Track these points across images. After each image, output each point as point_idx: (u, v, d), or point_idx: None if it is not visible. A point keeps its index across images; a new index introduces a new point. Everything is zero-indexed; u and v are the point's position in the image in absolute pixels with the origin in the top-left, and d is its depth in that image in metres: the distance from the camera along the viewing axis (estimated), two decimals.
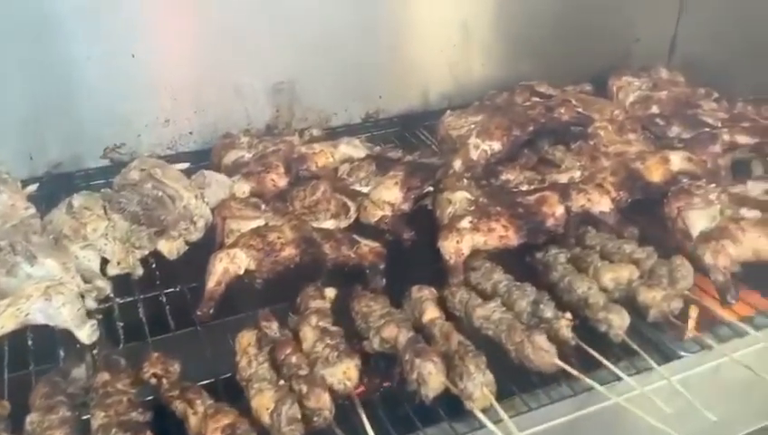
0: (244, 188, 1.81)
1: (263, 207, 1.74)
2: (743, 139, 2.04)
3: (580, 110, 2.17)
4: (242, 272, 1.55)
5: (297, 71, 2.20)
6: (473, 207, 1.73)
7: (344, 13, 2.19)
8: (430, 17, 2.33)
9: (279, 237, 1.60)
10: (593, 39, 2.59)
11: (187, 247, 1.73)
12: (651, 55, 2.66)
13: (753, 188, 1.81)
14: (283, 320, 1.46)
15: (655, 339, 1.46)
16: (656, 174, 1.84)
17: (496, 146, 1.99)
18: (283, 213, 1.73)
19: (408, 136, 2.33)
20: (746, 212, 1.68)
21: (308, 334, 1.38)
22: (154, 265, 1.69)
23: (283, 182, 1.86)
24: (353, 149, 2.00)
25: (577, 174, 1.89)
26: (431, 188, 1.84)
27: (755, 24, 2.41)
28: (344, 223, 1.77)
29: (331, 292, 1.53)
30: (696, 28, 2.65)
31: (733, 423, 1.51)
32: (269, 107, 2.21)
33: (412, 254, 1.73)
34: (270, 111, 2.22)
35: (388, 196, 1.80)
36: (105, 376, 1.32)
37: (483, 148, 1.98)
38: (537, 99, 2.27)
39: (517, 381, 1.36)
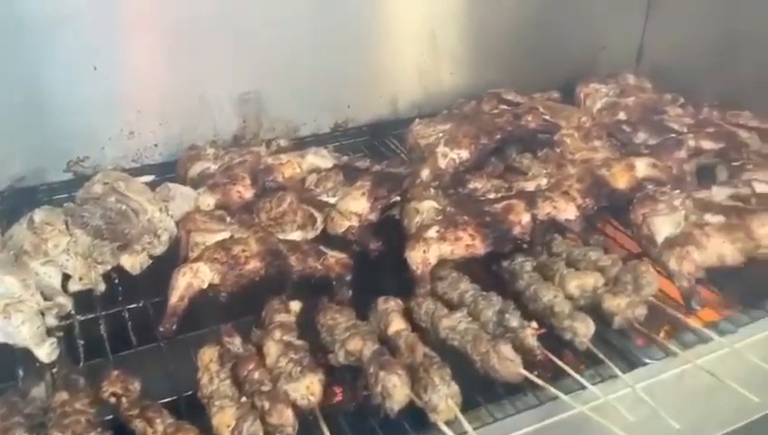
0: (209, 200, 1.79)
1: (228, 219, 1.72)
2: (707, 144, 2.06)
3: (547, 117, 2.18)
4: (206, 286, 1.52)
5: (264, 81, 2.19)
6: (440, 217, 1.73)
7: (311, 22, 2.18)
8: (398, 26, 2.32)
9: (244, 250, 1.58)
10: (561, 47, 2.60)
11: (150, 261, 1.70)
12: (619, 62, 2.68)
13: (718, 194, 1.83)
14: (247, 335, 1.44)
15: (620, 346, 1.46)
16: (621, 181, 1.85)
17: (464, 154, 1.99)
18: (248, 225, 1.71)
19: (377, 145, 2.32)
20: (711, 217, 1.70)
21: (271, 349, 1.36)
22: (117, 281, 1.67)
23: (249, 194, 1.84)
24: (321, 159, 1.99)
25: (544, 182, 1.89)
26: (398, 198, 1.83)
27: (721, 30, 2.44)
28: (311, 234, 1.76)
29: (296, 305, 1.52)
30: (662, 35, 2.68)
31: (697, 430, 1.52)
32: (236, 118, 2.19)
33: (380, 264, 1.72)
34: (237, 122, 2.20)
35: (355, 206, 1.78)
36: (63, 396, 1.30)
37: (451, 156, 1.99)
38: (505, 107, 2.28)
39: (483, 392, 1.35)
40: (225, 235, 1.65)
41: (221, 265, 1.54)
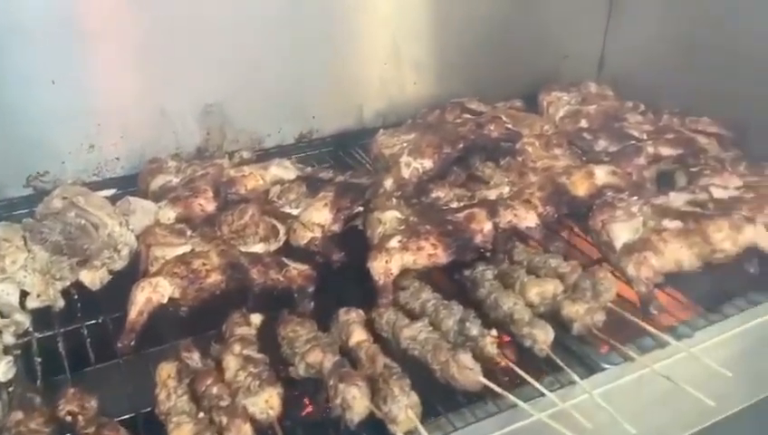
0: (169, 213, 1.77)
1: (189, 232, 1.70)
2: (666, 150, 2.09)
3: (509, 126, 2.19)
4: (165, 301, 1.51)
5: (227, 92, 2.18)
6: (403, 227, 1.73)
7: (273, 33, 2.18)
8: (360, 37, 2.33)
9: (204, 264, 1.57)
10: (523, 56, 2.63)
11: (110, 277, 1.68)
12: (581, 71, 2.72)
13: (676, 200, 1.86)
14: (208, 349, 1.43)
15: (580, 352, 1.48)
16: (581, 188, 1.88)
17: (428, 164, 2.00)
18: (210, 238, 1.70)
19: (342, 155, 2.32)
20: (668, 223, 1.72)
21: (230, 363, 1.35)
22: (76, 297, 1.64)
23: (211, 207, 1.83)
24: (284, 170, 1.98)
25: (506, 190, 1.91)
26: (362, 208, 1.83)
27: (680, 38, 2.48)
28: (274, 246, 1.75)
29: (256, 318, 1.51)
30: (623, 43, 2.72)
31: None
32: (199, 130, 2.18)
33: (343, 275, 1.72)
34: (200, 134, 2.19)
35: (318, 217, 1.78)
36: (18, 415, 1.28)
37: (414, 166, 1.99)
38: (468, 116, 2.30)
39: (444, 401, 1.35)
40: (186, 248, 1.64)
41: (181, 279, 1.53)
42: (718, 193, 1.86)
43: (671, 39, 2.52)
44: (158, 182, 1.92)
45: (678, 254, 1.66)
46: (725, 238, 1.68)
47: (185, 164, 2.00)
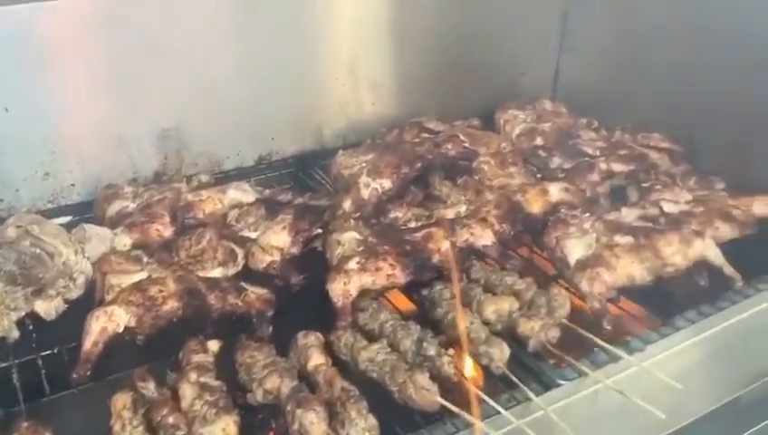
0: (125, 240, 1.76)
1: (145, 259, 1.69)
2: (618, 166, 2.14)
3: (466, 144, 2.23)
4: (121, 329, 1.50)
5: (184, 116, 2.17)
6: (361, 248, 1.75)
7: (229, 56, 2.18)
8: (317, 58, 2.34)
9: (161, 291, 1.56)
10: (480, 74, 2.67)
11: (66, 306, 1.66)
12: (537, 88, 2.77)
13: (627, 215, 1.90)
14: (164, 378, 1.42)
15: (536, 369, 1.50)
16: (535, 205, 1.91)
17: (386, 184, 2.02)
18: (167, 264, 1.69)
19: (302, 176, 2.33)
20: (620, 239, 1.76)
21: (187, 392, 1.34)
22: (31, 327, 1.62)
23: (168, 232, 1.82)
24: (242, 193, 1.98)
25: (463, 208, 1.93)
26: (320, 230, 1.84)
27: (631, 55, 2.54)
28: (232, 271, 1.75)
29: (214, 345, 1.50)
30: (576, 61, 2.78)
31: None
32: (156, 154, 2.17)
33: (303, 298, 1.73)
34: (157, 159, 2.18)
35: (277, 240, 1.79)
36: None
37: (373, 186, 2.01)
38: (426, 135, 2.32)
39: (402, 423, 1.36)
40: (142, 275, 1.63)
41: (137, 307, 1.52)
42: (669, 208, 1.91)
43: (622, 56, 2.58)
44: (114, 208, 1.90)
45: (630, 268, 1.69)
46: (676, 252, 1.72)
47: (142, 189, 1.98)
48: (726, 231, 1.87)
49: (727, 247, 1.83)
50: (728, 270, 1.74)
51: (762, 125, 2.11)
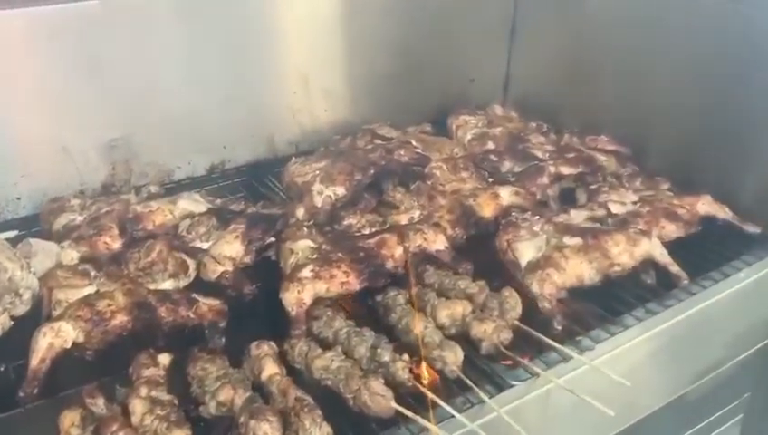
0: (72, 254, 1.72)
1: (93, 273, 1.66)
2: (567, 169, 2.18)
3: (419, 150, 2.25)
4: (69, 345, 1.46)
5: (132, 126, 2.13)
6: (315, 255, 1.74)
7: (178, 64, 2.16)
8: (267, 66, 2.33)
9: (109, 305, 1.53)
10: (432, 80, 2.70)
11: (12, 323, 1.62)
12: (488, 93, 2.82)
13: (576, 217, 1.94)
14: (113, 394, 1.39)
15: (490, 371, 1.51)
16: (487, 209, 1.94)
17: (340, 191, 2.02)
18: (116, 278, 1.66)
19: (256, 185, 2.31)
20: (569, 240, 1.79)
21: (137, 407, 1.32)
22: None
23: (117, 245, 1.78)
24: (193, 203, 1.95)
25: (416, 214, 1.95)
26: (273, 239, 1.83)
27: (578, 59, 2.60)
28: (183, 282, 1.73)
29: (165, 358, 1.48)
30: (525, 66, 2.83)
31: None
32: (104, 166, 2.13)
33: (256, 308, 1.71)
34: (105, 170, 2.14)
35: (229, 250, 1.77)
36: None
37: (327, 193, 2.01)
38: (379, 141, 2.34)
39: (357, 430, 1.36)
40: (90, 289, 1.60)
41: (85, 322, 1.49)
42: (616, 208, 1.96)
43: (570, 60, 2.64)
44: (61, 221, 1.86)
45: (579, 269, 1.73)
46: (623, 252, 1.76)
47: (89, 201, 1.94)
48: (672, 230, 1.92)
49: (673, 246, 1.88)
50: (674, 268, 1.78)
51: (706, 126, 2.18)
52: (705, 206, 2.03)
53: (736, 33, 2.05)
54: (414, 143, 2.32)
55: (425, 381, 1.46)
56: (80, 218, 1.87)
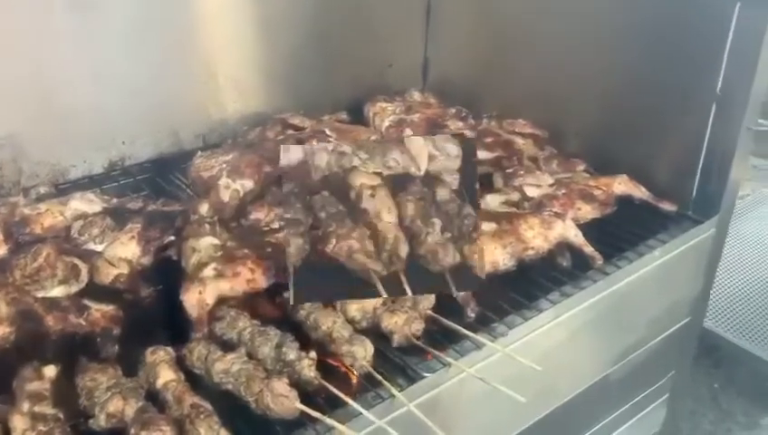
0: None
1: None
2: (484, 154, 2.19)
3: (332, 139, 2.22)
4: None
5: (19, 123, 2.03)
6: (219, 253, 1.70)
7: (70, 54, 2.06)
8: (169, 55, 2.25)
9: None
10: (347, 67, 2.67)
11: None
12: (406, 79, 2.81)
13: (492, 201, 1.96)
14: None
15: (402, 364, 1.50)
16: None
17: (248, 184, 1.98)
18: (0, 286, 1.58)
19: (161, 182, 2.24)
20: (484, 226, 1.80)
21: (18, 424, 1.25)
22: None
23: (2, 251, 1.70)
24: (87, 203, 1.87)
25: None
26: (173, 238, 1.77)
27: (495, 42, 2.62)
28: (75, 288, 1.65)
29: (50, 370, 1.40)
30: (443, 50, 2.83)
31: None
32: None
33: (156, 312, 1.66)
34: None
35: (124, 252, 1.70)
36: None
37: (234, 187, 1.96)
38: (291, 132, 2.30)
39: (259, 433, 1.33)
40: None
41: None
42: (531, 192, 1.99)
43: (486, 43, 2.66)
44: None
45: (494, 254, 1.74)
46: (537, 235, 1.79)
47: None
48: (588, 211, 1.96)
49: (590, 227, 1.92)
50: (588, 250, 1.82)
51: (622, 107, 2.23)
52: (621, 186, 2.08)
53: (647, 14, 2.10)
54: (328, 132, 2.29)
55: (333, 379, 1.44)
56: None
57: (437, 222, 1.66)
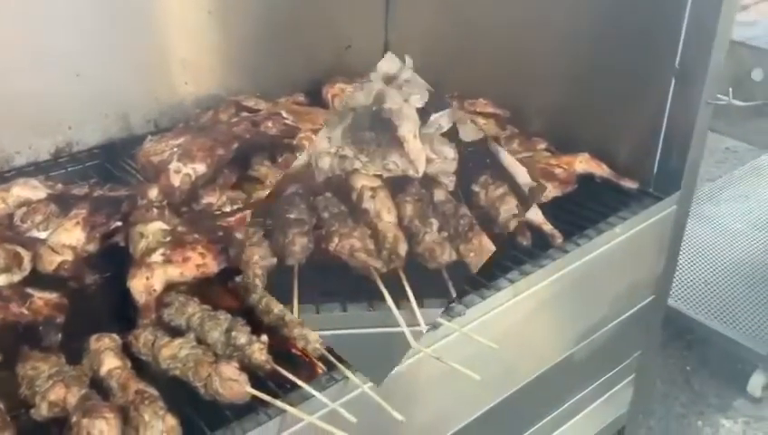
0: None
1: None
2: None
3: (288, 122, 2.20)
4: None
5: None
6: (168, 238, 1.68)
7: (10, 37, 2.02)
8: (118, 35, 2.20)
9: None
10: (304, 48, 2.64)
11: None
12: (366, 61, 2.78)
13: None
14: None
15: None
16: None
17: (200, 168, 1.95)
18: None
19: (110, 168, 2.20)
20: None
21: None
22: None
23: None
24: (30, 190, 1.84)
25: None
26: (120, 223, 1.75)
27: (457, 22, 2.61)
28: (17, 277, 1.61)
29: None
30: (404, 30, 2.82)
31: (438, 421, 1.59)
32: None
33: (103, 299, 1.63)
34: None
35: (68, 238, 1.68)
36: None
37: (185, 172, 1.93)
38: (245, 114, 2.28)
39: (209, 420, 1.32)
40: None
41: None
42: None
43: (447, 24, 2.65)
44: None
45: None
46: None
47: None
48: (549, 190, 1.97)
49: (551, 206, 1.93)
50: (547, 227, 1.83)
51: (581, 86, 2.24)
52: (582, 164, 2.10)
53: None
54: (284, 114, 2.26)
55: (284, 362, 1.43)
56: None
57: (435, 222, 1.69)
